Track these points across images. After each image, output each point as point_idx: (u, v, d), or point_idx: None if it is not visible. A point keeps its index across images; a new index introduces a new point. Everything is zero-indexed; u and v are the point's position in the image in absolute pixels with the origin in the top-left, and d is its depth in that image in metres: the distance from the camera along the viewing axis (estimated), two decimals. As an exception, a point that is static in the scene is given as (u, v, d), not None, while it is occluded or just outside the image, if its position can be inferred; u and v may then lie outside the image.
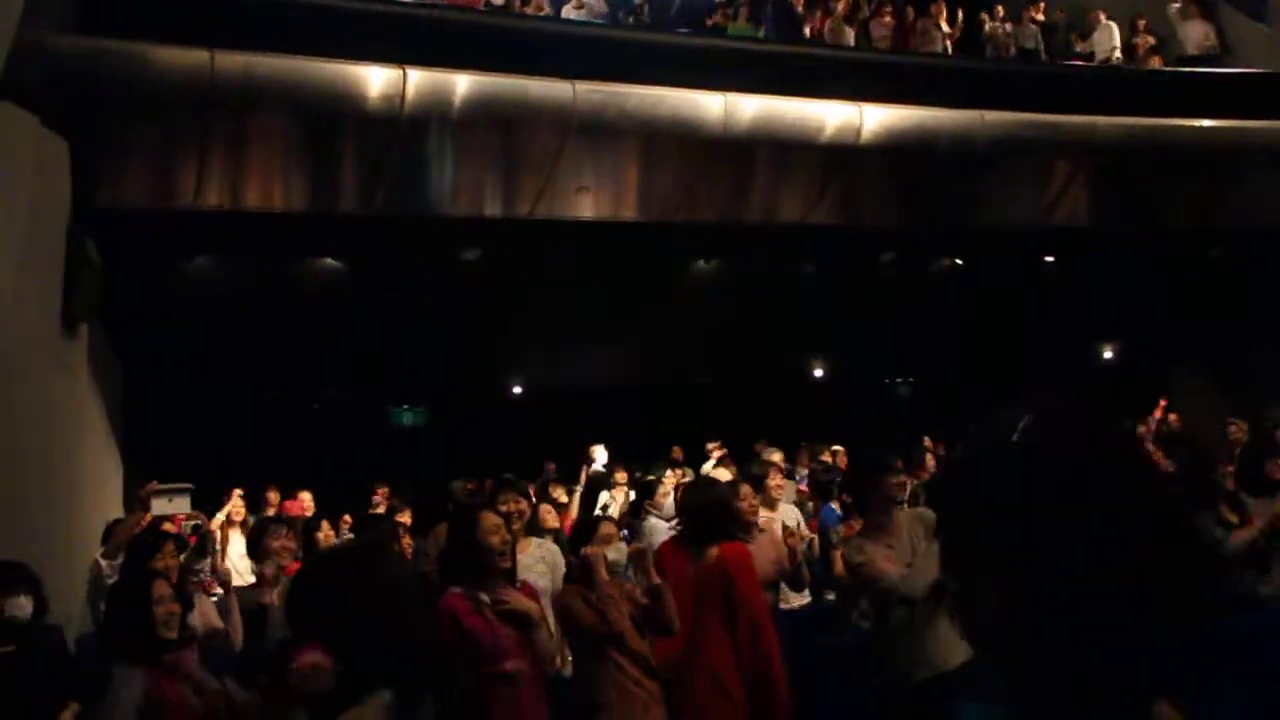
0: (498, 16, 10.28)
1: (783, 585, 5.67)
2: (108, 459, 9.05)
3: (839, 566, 5.79)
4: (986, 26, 13.48)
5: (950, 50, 12.65)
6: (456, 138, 8.39)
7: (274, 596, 4.89)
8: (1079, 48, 13.45)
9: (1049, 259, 11.80)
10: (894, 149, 9.54)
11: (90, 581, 5.92)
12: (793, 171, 9.55)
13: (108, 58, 7.11)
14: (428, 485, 9.59)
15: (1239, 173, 11.07)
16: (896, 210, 10.56)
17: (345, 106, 7.86)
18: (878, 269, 11.33)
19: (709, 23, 12.50)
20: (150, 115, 7.48)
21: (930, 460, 9.44)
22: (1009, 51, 13.29)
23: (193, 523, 7.13)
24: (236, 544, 7.82)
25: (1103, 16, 13.21)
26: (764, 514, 5.85)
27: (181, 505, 8.59)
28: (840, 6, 12.63)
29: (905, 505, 6.48)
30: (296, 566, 4.97)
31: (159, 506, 8.05)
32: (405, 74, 7.90)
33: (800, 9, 12.46)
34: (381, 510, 9.91)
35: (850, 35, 12.32)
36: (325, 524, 7.46)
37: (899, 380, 15.85)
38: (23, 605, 4.14)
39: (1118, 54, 13.05)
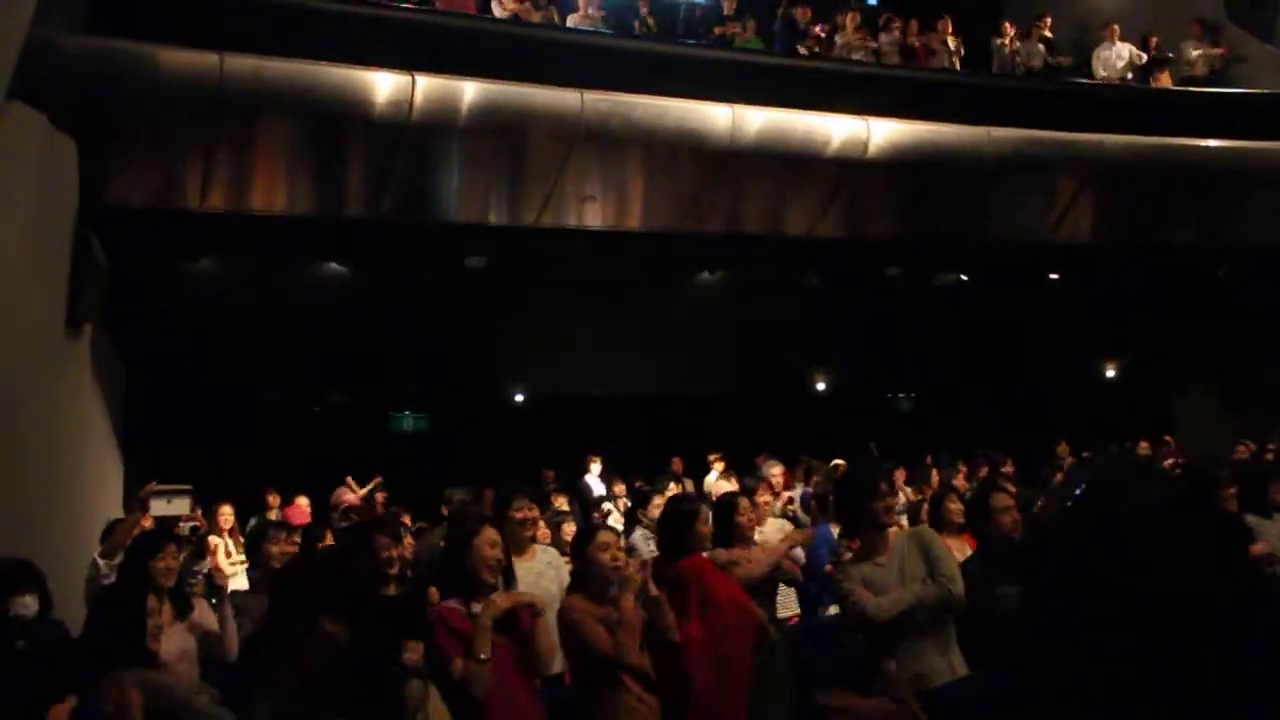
0: (506, 25, 10.29)
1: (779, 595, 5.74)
2: (109, 458, 9.06)
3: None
4: (995, 43, 13.48)
5: (958, 66, 12.66)
6: (463, 145, 8.41)
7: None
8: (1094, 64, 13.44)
9: (1054, 275, 11.78)
10: (901, 163, 9.55)
11: (88, 580, 5.90)
12: (799, 184, 9.56)
13: (117, 58, 7.14)
14: (427, 491, 9.58)
15: (1245, 192, 11.09)
16: (902, 224, 10.58)
17: (353, 111, 7.88)
18: (882, 283, 11.32)
19: (716, 32, 12.50)
20: (158, 116, 7.49)
21: (935, 476, 9.42)
22: (1017, 68, 13.29)
23: (191, 524, 7.12)
24: (235, 551, 7.82)
25: (1116, 32, 13.20)
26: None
27: (181, 506, 8.59)
28: (849, 21, 12.64)
29: (904, 522, 6.53)
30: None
31: (158, 507, 8.05)
32: (414, 80, 7.92)
33: (807, 23, 12.47)
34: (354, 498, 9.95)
35: (859, 49, 12.34)
36: (329, 532, 7.44)
37: (901, 394, 15.82)
38: (28, 604, 4.15)
39: (1127, 72, 13.05)
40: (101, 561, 5.80)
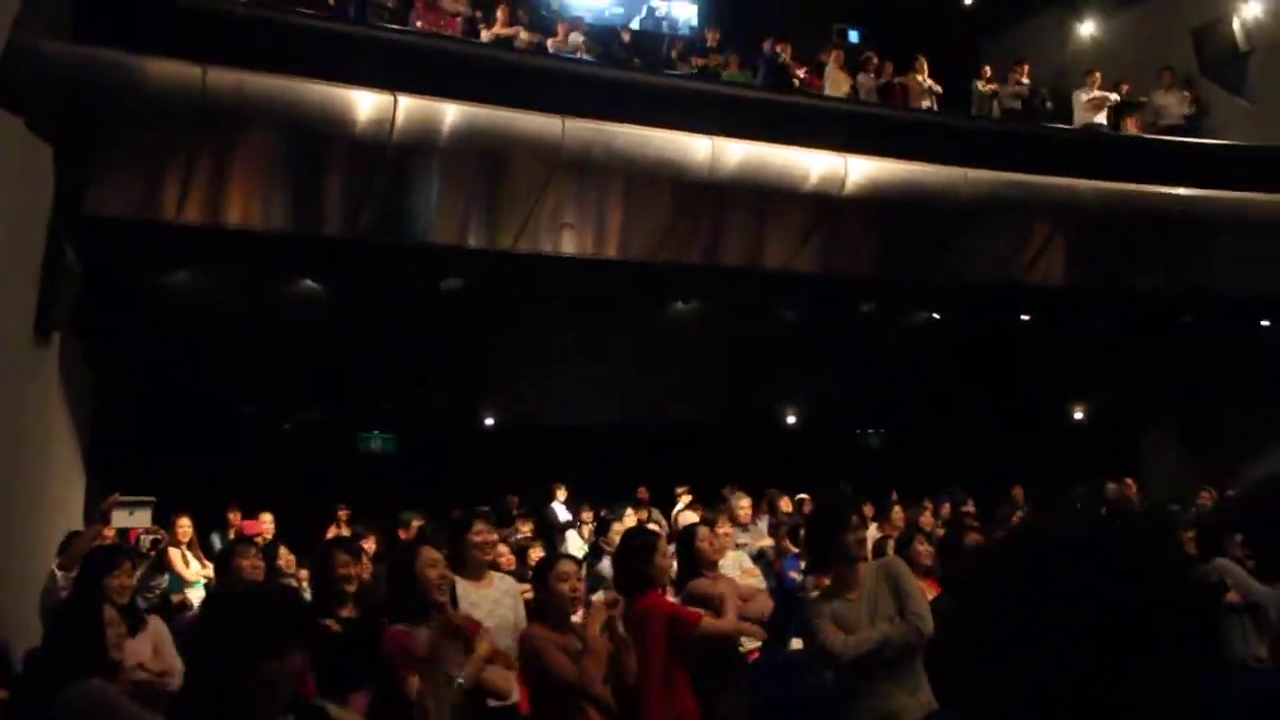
0: (490, 48, 10.34)
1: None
2: (73, 468, 8.96)
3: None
4: (974, 85, 13.67)
5: (935, 107, 12.82)
6: (443, 166, 8.42)
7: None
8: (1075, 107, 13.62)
9: (1025, 316, 11.89)
10: (877, 201, 9.63)
11: (44, 592, 5.82)
12: (776, 218, 9.62)
13: (100, 67, 7.11)
14: (393, 512, 9.53)
15: (1211, 240, 11.23)
16: (877, 261, 10.65)
17: (334, 130, 7.88)
18: (856, 319, 11.39)
19: (699, 63, 12.60)
20: (138, 127, 7.47)
21: (898, 513, 9.45)
22: (994, 111, 13.47)
23: (151, 537, 7.05)
24: (194, 564, 7.77)
25: (1098, 79, 13.42)
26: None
27: (143, 519, 8.51)
28: (831, 59, 12.79)
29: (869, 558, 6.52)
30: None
31: (120, 519, 7.97)
32: (396, 100, 7.93)
33: (789, 59, 12.60)
34: (343, 531, 9.89)
35: (841, 86, 12.48)
36: (284, 549, 7.41)
37: (871, 430, 15.89)
38: None
39: (1102, 118, 13.25)
40: (59, 573, 5.73)
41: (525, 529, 10.16)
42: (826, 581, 4.63)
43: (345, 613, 4.81)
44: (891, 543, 6.96)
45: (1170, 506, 7.97)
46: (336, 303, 9.77)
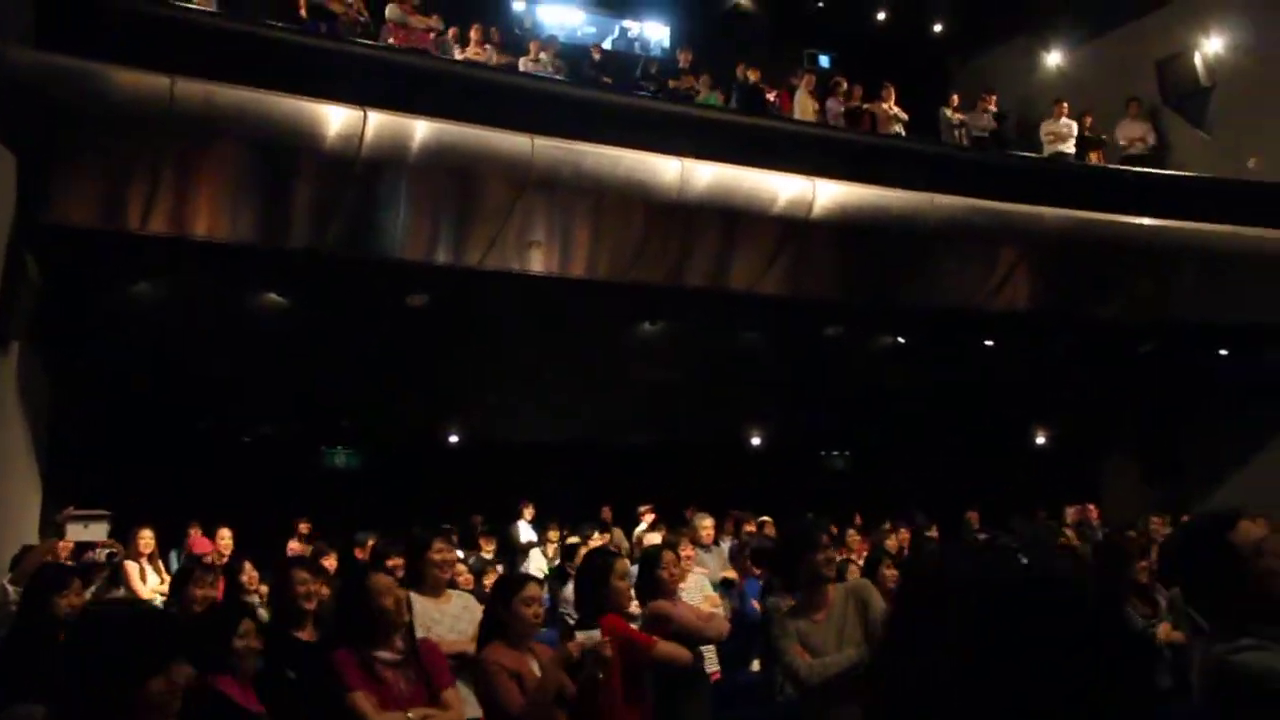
0: (461, 66, 10.35)
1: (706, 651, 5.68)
2: (28, 480, 8.84)
3: None
4: (942, 112, 13.82)
5: (903, 132, 12.94)
6: (412, 182, 8.39)
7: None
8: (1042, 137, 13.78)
9: (989, 342, 11.98)
10: (844, 225, 9.68)
11: (-3, 606, 5.75)
12: (743, 240, 9.65)
13: (65, 76, 7.04)
14: (356, 529, 9.46)
15: (1175, 271, 11.37)
16: (844, 285, 10.70)
17: (303, 143, 7.84)
18: (822, 342, 11.43)
19: (670, 85, 12.67)
20: (104, 136, 7.40)
21: (853, 536, 9.47)
22: (962, 138, 13.62)
23: (107, 550, 6.96)
24: (150, 578, 7.67)
25: (1065, 109, 13.60)
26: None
27: (98, 532, 8.40)
28: (802, 83, 12.90)
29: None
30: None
31: (75, 533, 7.88)
32: (365, 115, 7.91)
33: (761, 83, 12.70)
34: (301, 548, 9.80)
35: (811, 110, 12.57)
36: (248, 564, 7.33)
37: (836, 453, 15.96)
38: None
39: (1069, 147, 13.43)
40: (10, 588, 5.66)
41: (488, 548, 10.13)
42: (791, 602, 4.62)
43: (304, 634, 4.75)
44: (853, 566, 6.96)
45: (1127, 532, 8.02)
46: (302, 317, 9.71)
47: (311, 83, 7.91)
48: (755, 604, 7.74)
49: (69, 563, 6.73)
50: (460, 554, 8.64)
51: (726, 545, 9.76)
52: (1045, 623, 1.06)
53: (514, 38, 13.46)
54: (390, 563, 5.98)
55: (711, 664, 6.40)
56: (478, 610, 5.16)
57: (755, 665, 7.14)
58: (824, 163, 9.74)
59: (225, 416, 11.52)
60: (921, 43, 17.09)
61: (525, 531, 11.32)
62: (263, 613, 5.58)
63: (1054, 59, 16.17)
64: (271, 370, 10.18)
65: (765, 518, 10.63)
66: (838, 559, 7.80)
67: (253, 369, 10.10)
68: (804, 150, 9.98)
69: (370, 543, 8.42)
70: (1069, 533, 7.11)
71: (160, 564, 8.39)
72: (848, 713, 4.02)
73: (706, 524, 9.22)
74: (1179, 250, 11.19)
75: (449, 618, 4.78)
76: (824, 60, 16.91)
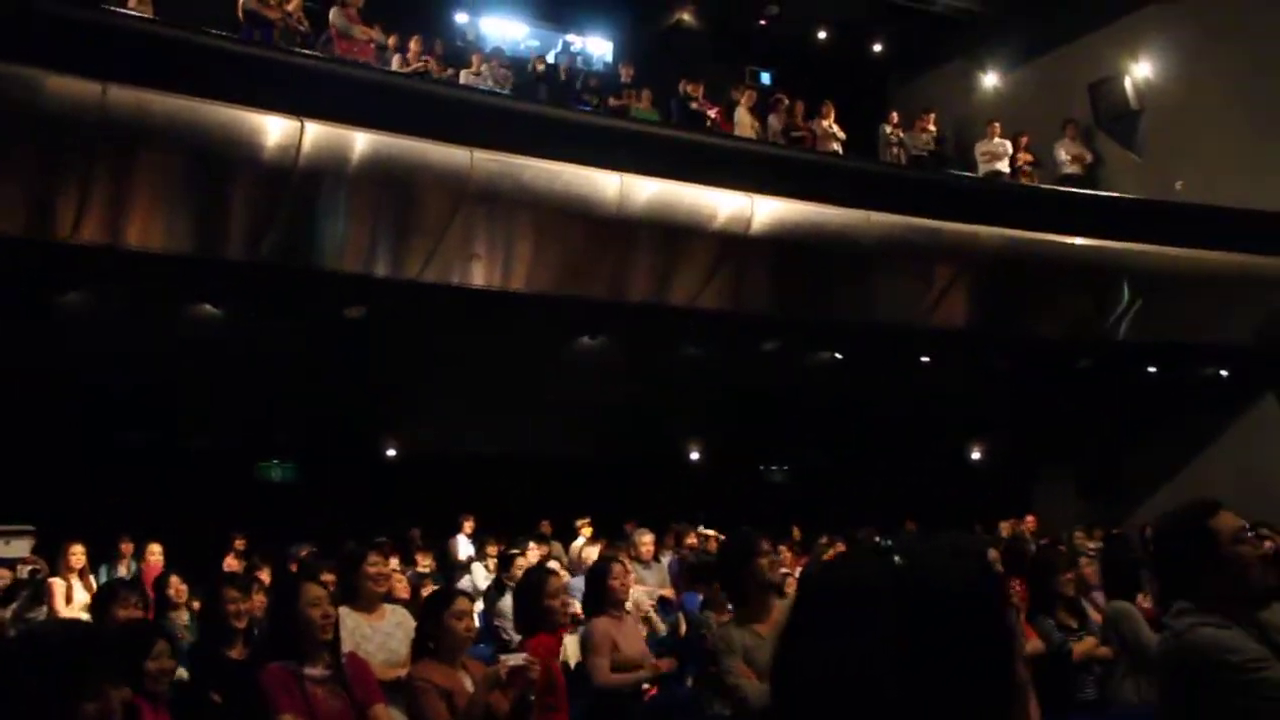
0: (401, 78, 10.29)
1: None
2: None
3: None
4: (881, 130, 14.00)
5: (840, 150, 13.08)
6: (350, 194, 8.31)
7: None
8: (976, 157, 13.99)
9: (925, 358, 12.12)
10: (782, 241, 9.74)
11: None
12: (682, 255, 9.68)
13: (-7, 80, 6.91)
14: (294, 543, 9.35)
15: (1108, 290, 11.59)
16: (782, 301, 10.76)
17: (239, 153, 7.73)
18: (759, 356, 11.48)
19: (613, 102, 12.71)
20: (33, 143, 7.26)
21: (785, 553, 9.52)
22: (900, 156, 13.80)
23: (30, 567, 6.82)
24: (79, 595, 7.51)
25: (997, 129, 13.84)
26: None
27: (21, 548, 8.22)
28: (743, 100, 13.00)
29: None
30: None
31: (-1, 549, 7.71)
32: (303, 126, 7.83)
33: (701, 99, 12.78)
34: (236, 563, 9.67)
35: (750, 127, 12.67)
36: (175, 579, 7.22)
37: (774, 467, 16.05)
38: None
39: (1004, 166, 13.66)
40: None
41: (425, 562, 10.05)
42: (725, 618, 4.61)
43: (234, 652, 4.70)
44: (790, 579, 6.99)
45: (1057, 546, 8.13)
46: (237, 328, 9.59)
47: (248, 92, 7.82)
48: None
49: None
50: (397, 566, 8.60)
51: (666, 560, 9.78)
52: (902, 611, 1.15)
53: (456, 50, 13.43)
54: (323, 578, 5.92)
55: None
56: (412, 625, 5.13)
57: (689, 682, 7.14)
58: (763, 179, 9.79)
59: (159, 429, 11.33)
60: (861, 62, 17.32)
61: (464, 545, 11.24)
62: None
63: (990, 80, 16.46)
64: (206, 382, 10.04)
65: (710, 531, 10.66)
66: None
67: (187, 381, 9.96)
68: (743, 166, 10.03)
69: (303, 554, 8.35)
70: (993, 551, 7.27)
71: (91, 580, 8.23)
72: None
73: (646, 540, 9.25)
74: (1111, 270, 11.40)
75: (381, 634, 4.73)
76: (765, 77, 17.08)
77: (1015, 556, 7.13)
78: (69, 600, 7.41)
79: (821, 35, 17.06)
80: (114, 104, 7.19)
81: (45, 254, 8.21)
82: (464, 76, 11.74)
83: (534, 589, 4.72)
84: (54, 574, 8.02)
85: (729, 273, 9.91)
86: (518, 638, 5.56)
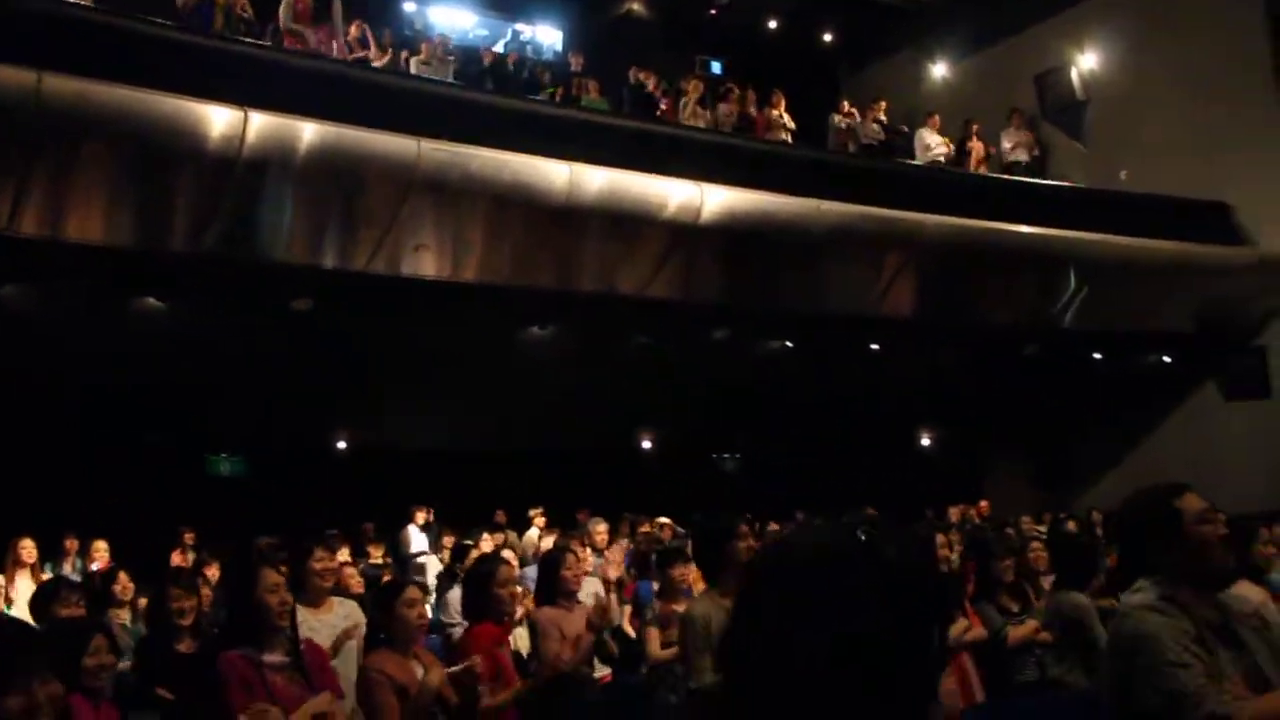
0: (346, 67, 10.20)
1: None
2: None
3: (654, 647, 5.82)
4: (832, 119, 14.07)
5: (790, 140, 13.13)
6: (295, 184, 8.21)
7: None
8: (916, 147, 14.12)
9: (875, 346, 12.20)
10: (732, 230, 9.76)
11: None
12: (632, 244, 9.67)
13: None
14: (244, 537, 9.26)
15: (1054, 278, 11.74)
16: (731, 289, 10.78)
17: (181, 143, 7.61)
18: (710, 345, 11.51)
19: (562, 92, 12.67)
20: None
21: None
22: (850, 145, 13.87)
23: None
24: (25, 590, 7.40)
25: (937, 123, 13.95)
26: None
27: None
28: (691, 89, 13.00)
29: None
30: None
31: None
32: (247, 116, 7.73)
33: (653, 89, 12.77)
34: (184, 559, 9.58)
35: (700, 117, 12.68)
36: (123, 575, 7.12)
37: (726, 455, 16.12)
38: None
39: (946, 154, 13.78)
40: None
41: (377, 555, 10.00)
42: (672, 607, 4.64)
43: (183, 647, 4.69)
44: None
45: (1005, 530, 8.26)
46: (182, 321, 9.46)
47: (190, 81, 7.70)
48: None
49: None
50: (348, 558, 8.56)
51: (620, 547, 9.80)
52: (873, 578, 1.16)
53: (404, 39, 13.32)
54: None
55: (602, 667, 6.45)
56: (361, 619, 5.11)
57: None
58: (713, 168, 9.82)
59: (104, 424, 11.16)
60: (812, 52, 17.41)
61: (416, 537, 11.19)
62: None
63: (939, 70, 16.61)
64: (152, 376, 9.90)
65: (664, 519, 10.70)
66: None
67: (132, 375, 9.81)
68: (693, 155, 10.05)
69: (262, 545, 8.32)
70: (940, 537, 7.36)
71: (41, 575, 8.12)
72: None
73: (600, 529, 9.28)
74: (1057, 258, 11.55)
75: (328, 628, 4.71)
76: (715, 66, 17.12)
77: (975, 542, 7.23)
78: (10, 601, 7.30)
79: (772, 25, 17.14)
80: (50, 94, 7.05)
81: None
82: (414, 65, 11.64)
83: (484, 577, 4.73)
84: (1, 570, 7.92)
85: (679, 262, 9.91)
86: (461, 625, 5.59)
